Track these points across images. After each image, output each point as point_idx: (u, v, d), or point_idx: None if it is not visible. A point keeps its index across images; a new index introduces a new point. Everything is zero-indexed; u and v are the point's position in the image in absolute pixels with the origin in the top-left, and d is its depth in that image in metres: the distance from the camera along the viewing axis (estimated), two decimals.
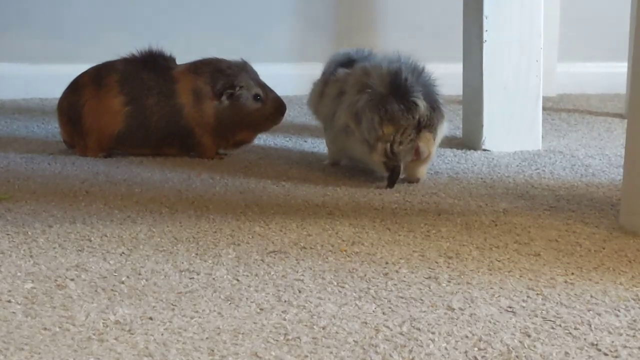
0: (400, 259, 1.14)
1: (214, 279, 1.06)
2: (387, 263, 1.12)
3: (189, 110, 1.64)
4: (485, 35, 1.74)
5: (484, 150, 1.77)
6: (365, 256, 1.15)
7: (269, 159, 1.68)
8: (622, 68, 2.43)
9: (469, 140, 1.81)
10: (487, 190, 1.48)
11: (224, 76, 1.65)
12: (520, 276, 1.09)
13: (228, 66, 1.66)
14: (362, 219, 1.31)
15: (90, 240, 1.19)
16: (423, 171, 1.53)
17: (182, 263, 1.11)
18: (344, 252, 1.16)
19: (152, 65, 1.66)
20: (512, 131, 1.78)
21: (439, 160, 1.69)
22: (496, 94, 1.76)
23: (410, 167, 1.51)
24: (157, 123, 1.65)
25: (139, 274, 1.07)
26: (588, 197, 1.45)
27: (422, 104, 1.48)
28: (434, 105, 1.50)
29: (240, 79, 1.65)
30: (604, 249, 1.19)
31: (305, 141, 1.84)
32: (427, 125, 1.48)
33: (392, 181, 1.49)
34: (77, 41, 2.34)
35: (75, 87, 1.68)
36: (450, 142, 1.84)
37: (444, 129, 1.54)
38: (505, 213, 1.35)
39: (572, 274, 1.10)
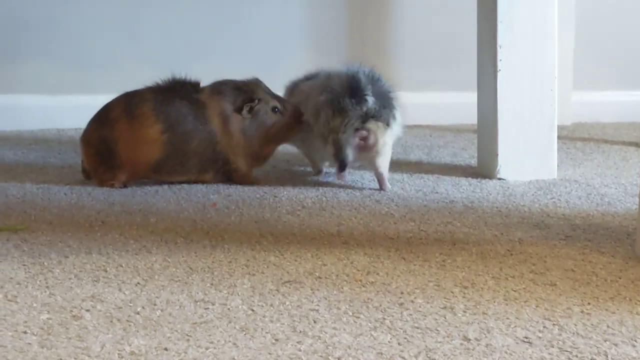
0: (416, 288, 1.14)
1: (229, 309, 1.06)
2: (402, 293, 1.12)
3: (221, 136, 1.66)
4: (500, 65, 1.74)
5: (499, 179, 1.77)
6: (381, 286, 1.15)
7: (283, 188, 1.68)
8: (637, 96, 2.43)
9: (484, 169, 1.81)
10: (503, 220, 1.48)
11: (242, 92, 1.68)
12: (537, 306, 1.08)
13: (244, 83, 1.70)
14: (377, 248, 1.31)
15: (106, 271, 1.19)
16: (381, 164, 1.65)
17: (197, 293, 1.11)
18: (359, 282, 1.16)
19: (181, 92, 1.67)
20: (527, 160, 1.78)
21: (453, 189, 1.69)
22: (511, 123, 1.76)
23: (366, 158, 1.66)
24: (196, 149, 1.66)
25: (154, 305, 1.07)
26: (604, 226, 1.44)
27: (370, 100, 1.62)
28: (386, 104, 1.64)
29: (258, 93, 1.69)
30: (620, 278, 1.18)
31: (319, 170, 1.84)
32: (374, 116, 1.62)
33: (340, 168, 1.64)
34: (94, 72, 2.36)
35: (106, 120, 1.66)
36: (465, 171, 1.84)
37: (399, 129, 1.68)
38: (520, 242, 1.35)
39: (589, 304, 1.09)
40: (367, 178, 1.77)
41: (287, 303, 1.08)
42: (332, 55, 2.43)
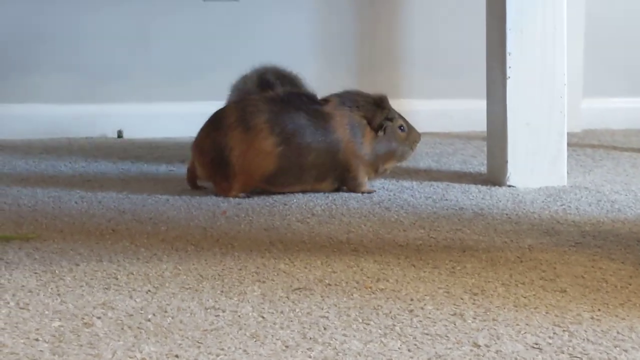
0: (426, 295, 1.14)
1: (239, 316, 1.06)
2: (412, 300, 1.12)
3: (347, 144, 1.68)
4: (509, 72, 1.75)
5: (509, 186, 1.77)
6: (390, 293, 1.15)
7: (293, 196, 1.69)
8: None
9: (494, 176, 1.81)
10: (512, 227, 1.48)
11: (380, 110, 1.71)
12: (547, 312, 1.08)
13: (380, 99, 1.73)
14: (386, 255, 1.31)
15: (117, 279, 1.20)
16: None
17: (208, 300, 1.11)
18: (369, 289, 1.16)
19: (297, 103, 1.68)
20: (537, 167, 1.78)
21: (463, 197, 1.69)
22: (520, 130, 1.76)
23: None
24: (314, 160, 1.66)
25: (165, 312, 1.08)
26: (614, 232, 1.44)
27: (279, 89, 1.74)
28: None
29: (392, 112, 1.73)
30: (630, 285, 1.18)
31: None
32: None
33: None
34: (104, 82, 2.37)
35: (220, 128, 1.65)
36: (475, 179, 1.85)
37: None
38: (530, 249, 1.35)
39: (599, 310, 1.09)
40: (376, 185, 1.77)
41: (297, 310, 1.08)
42: (342, 65, 2.44)
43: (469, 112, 2.41)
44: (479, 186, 1.78)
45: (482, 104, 1.89)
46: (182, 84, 2.39)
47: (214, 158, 1.65)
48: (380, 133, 1.70)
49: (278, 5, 2.40)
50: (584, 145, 2.27)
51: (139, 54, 2.38)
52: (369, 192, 1.72)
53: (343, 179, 1.71)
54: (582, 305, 1.11)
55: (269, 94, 1.70)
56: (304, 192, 1.70)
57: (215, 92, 2.38)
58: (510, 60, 1.75)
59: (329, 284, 1.18)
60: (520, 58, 1.75)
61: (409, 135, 1.73)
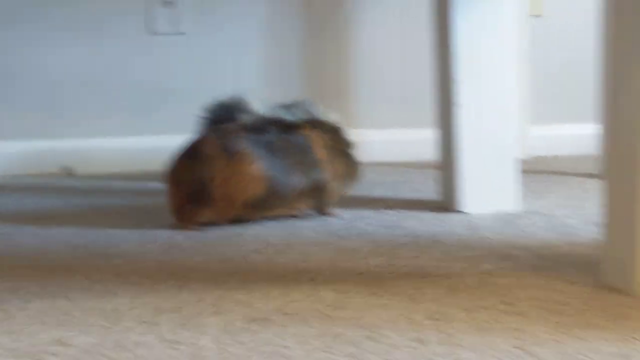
0: (387, 322, 1.13)
1: (199, 348, 1.04)
2: (373, 327, 1.11)
3: (325, 165, 1.73)
4: (459, 100, 1.75)
5: (463, 212, 1.77)
6: (351, 320, 1.14)
7: (248, 226, 1.67)
8: (589, 130, 2.46)
9: (447, 203, 1.82)
10: (470, 252, 1.48)
11: (347, 135, 1.79)
12: (508, 336, 1.08)
13: (340, 126, 1.79)
14: (346, 283, 1.30)
15: (71, 315, 1.17)
16: None
17: (166, 334, 1.09)
18: (329, 318, 1.15)
19: (270, 128, 1.72)
20: (490, 193, 1.78)
21: (418, 224, 1.69)
22: (472, 156, 1.77)
23: None
24: (299, 180, 1.70)
25: (123, 347, 1.05)
26: (570, 256, 1.45)
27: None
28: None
29: (350, 138, 1.80)
30: (590, 307, 1.19)
31: None
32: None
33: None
34: (50, 117, 2.34)
35: (199, 157, 1.64)
36: (429, 206, 1.85)
37: None
38: (489, 274, 1.35)
39: (561, 332, 1.09)
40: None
41: (258, 340, 1.07)
42: (291, 96, 2.43)
43: (417, 141, 2.42)
44: (434, 213, 1.78)
45: (429, 133, 1.90)
46: (131, 119, 2.37)
47: (191, 189, 1.64)
48: (350, 157, 1.78)
49: (226, 37, 2.39)
50: (534, 171, 2.29)
51: (88, 89, 2.35)
52: (334, 215, 1.75)
53: (318, 199, 1.74)
54: (543, 328, 1.11)
55: (244, 122, 1.73)
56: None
57: (164, 126, 2.38)
58: (460, 89, 1.76)
59: (289, 314, 1.16)
60: (470, 86, 1.76)
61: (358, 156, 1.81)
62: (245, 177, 1.64)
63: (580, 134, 2.58)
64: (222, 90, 2.38)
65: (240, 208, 1.66)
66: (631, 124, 1.19)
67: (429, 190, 2.03)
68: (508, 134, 1.78)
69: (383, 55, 2.47)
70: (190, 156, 1.65)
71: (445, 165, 1.83)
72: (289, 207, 1.72)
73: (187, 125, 2.38)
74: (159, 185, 2.09)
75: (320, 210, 1.76)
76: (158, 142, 2.37)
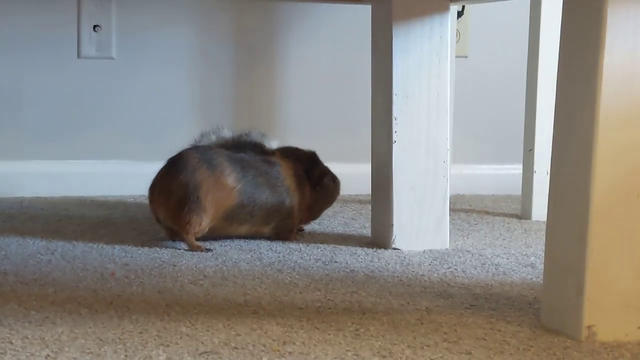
0: (335, 358, 1.13)
1: None
2: None
3: (293, 192, 1.82)
4: (395, 136, 1.78)
5: (394, 249, 1.78)
6: (300, 355, 1.13)
7: (182, 257, 1.65)
8: (512, 170, 2.52)
9: (379, 239, 1.83)
10: (405, 289, 1.49)
11: (319, 166, 1.89)
12: None
13: (314, 155, 1.89)
14: (288, 318, 1.30)
15: (12, 343, 1.13)
16: None
17: None
18: (277, 352, 1.14)
19: (247, 148, 1.81)
20: (421, 230, 1.80)
21: (352, 259, 1.69)
22: (406, 193, 1.79)
23: None
24: (265, 201, 1.77)
25: None
26: (505, 295, 1.47)
27: None
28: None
29: (327, 168, 1.90)
30: (531, 347, 1.21)
31: (215, 240, 1.81)
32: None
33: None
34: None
35: (184, 169, 1.70)
36: (360, 241, 1.86)
37: None
38: (428, 312, 1.36)
39: None
40: (262, 246, 1.76)
41: None
42: (219, 122, 2.42)
43: (349, 176, 2.43)
44: (365, 249, 1.79)
45: (356, 168, 1.95)
46: (56, 142, 2.33)
47: (180, 198, 1.69)
48: (319, 188, 1.87)
49: (155, 65, 2.37)
50: (457, 210, 2.32)
51: (10, 111, 2.30)
52: (295, 240, 1.84)
53: (282, 225, 1.82)
54: None
55: (220, 141, 1.83)
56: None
57: (88, 151, 2.34)
58: (396, 125, 1.78)
59: (236, 347, 1.15)
60: (405, 123, 1.78)
61: (335, 185, 1.91)
62: (225, 188, 1.71)
63: (501, 174, 2.63)
64: (149, 116, 2.36)
65: (221, 217, 1.73)
66: (578, 168, 1.22)
67: (358, 225, 2.05)
68: (441, 171, 1.81)
69: (313, 90, 2.48)
70: (175, 167, 1.72)
71: (379, 201, 1.84)
72: (256, 227, 1.79)
73: (111, 150, 2.35)
74: (85, 211, 2.06)
75: (281, 235, 1.83)
76: (81, 166, 2.33)
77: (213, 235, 1.76)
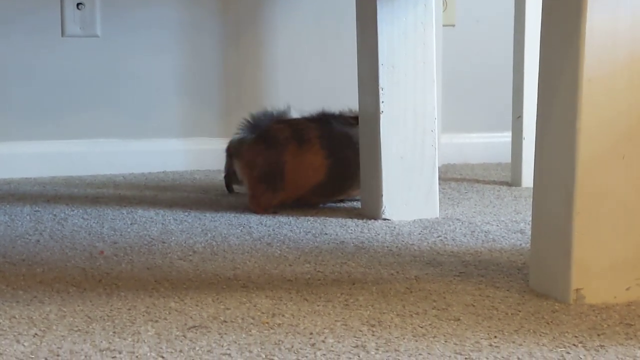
0: (325, 329, 1.13)
1: (137, 357, 1.02)
2: (311, 333, 1.11)
3: None
4: (382, 107, 1.77)
5: (384, 219, 1.78)
6: (289, 327, 1.13)
7: (171, 234, 1.65)
8: (502, 138, 2.51)
9: (369, 210, 1.83)
10: (395, 259, 1.49)
11: None
12: (446, 341, 1.09)
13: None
14: (277, 290, 1.30)
15: (0, 323, 1.13)
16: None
17: (101, 342, 1.07)
18: (267, 324, 1.14)
19: (334, 122, 1.85)
20: (411, 200, 1.80)
21: (342, 230, 1.69)
22: (394, 163, 1.78)
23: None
24: (354, 170, 1.83)
25: (57, 356, 1.02)
26: (494, 262, 1.47)
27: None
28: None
29: None
30: (520, 312, 1.21)
31: (205, 216, 1.81)
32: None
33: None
34: None
35: (273, 144, 1.78)
36: (350, 213, 1.85)
37: None
38: (417, 280, 1.36)
39: (495, 337, 1.11)
40: (252, 221, 1.76)
41: (197, 348, 1.05)
42: (207, 105, 2.41)
43: None
44: (355, 220, 1.79)
45: None
46: (43, 122, 2.32)
47: (265, 172, 1.77)
48: None
49: (142, 43, 2.36)
50: (448, 179, 2.32)
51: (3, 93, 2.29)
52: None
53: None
54: (478, 332, 1.12)
55: (308, 116, 1.87)
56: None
57: (76, 131, 2.33)
58: (383, 95, 1.77)
59: (225, 321, 1.15)
60: (392, 93, 1.77)
61: None
62: (312, 165, 1.80)
63: (491, 142, 2.63)
64: (137, 94, 2.34)
65: (306, 193, 1.83)
66: (563, 132, 1.22)
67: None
68: (430, 141, 1.80)
69: (299, 63, 2.47)
70: (263, 141, 1.78)
71: (368, 172, 1.84)
72: (346, 193, 1.88)
73: (99, 129, 2.34)
74: (74, 191, 2.05)
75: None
76: (67, 146, 2.32)
77: (299, 204, 1.84)
